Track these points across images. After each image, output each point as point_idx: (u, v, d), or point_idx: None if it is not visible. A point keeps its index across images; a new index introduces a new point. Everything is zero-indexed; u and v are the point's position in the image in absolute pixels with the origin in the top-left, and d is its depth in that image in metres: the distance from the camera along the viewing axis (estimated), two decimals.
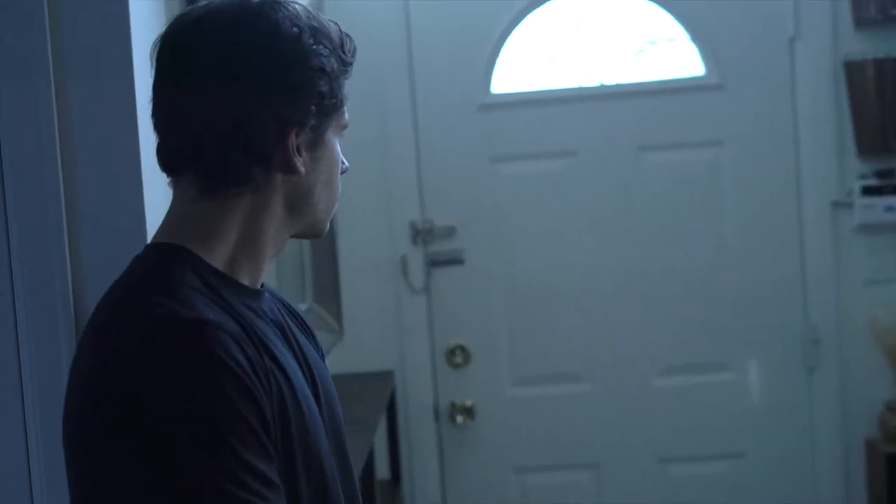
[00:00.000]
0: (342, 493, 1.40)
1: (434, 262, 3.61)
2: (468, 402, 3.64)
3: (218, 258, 1.32)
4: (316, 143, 1.33)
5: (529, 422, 3.65)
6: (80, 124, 1.62)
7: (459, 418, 3.63)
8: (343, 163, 1.41)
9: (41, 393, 1.62)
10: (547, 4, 3.62)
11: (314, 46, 1.31)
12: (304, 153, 1.32)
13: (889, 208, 3.52)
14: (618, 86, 3.63)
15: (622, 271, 3.62)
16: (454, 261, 3.60)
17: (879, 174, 3.54)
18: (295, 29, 1.30)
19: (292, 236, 1.42)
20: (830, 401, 3.62)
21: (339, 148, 1.39)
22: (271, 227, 1.35)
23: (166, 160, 1.34)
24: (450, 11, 3.59)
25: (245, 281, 1.35)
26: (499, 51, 3.61)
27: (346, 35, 1.37)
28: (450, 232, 3.60)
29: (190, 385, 1.18)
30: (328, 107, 1.33)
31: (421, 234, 3.59)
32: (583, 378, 3.66)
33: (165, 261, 1.31)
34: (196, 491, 1.16)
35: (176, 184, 1.35)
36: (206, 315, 1.22)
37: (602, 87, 3.63)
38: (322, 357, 1.54)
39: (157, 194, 1.70)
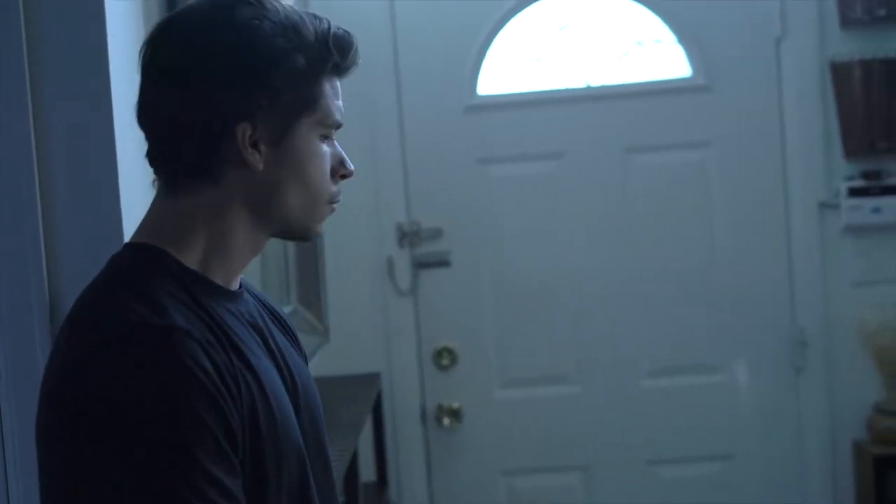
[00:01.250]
0: (320, 498, 1.40)
1: (421, 264, 3.60)
2: (455, 405, 3.63)
3: (191, 258, 1.32)
4: (279, 138, 1.32)
5: (517, 424, 3.65)
6: (56, 123, 1.62)
7: (446, 420, 3.62)
8: (345, 166, 1.39)
9: (16, 393, 1.61)
10: (533, 6, 3.61)
11: (272, 39, 1.30)
12: (262, 148, 1.31)
13: (876, 209, 3.52)
14: (605, 87, 3.62)
15: (610, 273, 3.62)
16: (441, 263, 3.59)
17: (866, 175, 3.54)
18: (254, 21, 1.30)
19: (277, 237, 1.41)
20: (818, 402, 3.62)
21: (325, 148, 1.37)
22: (239, 226, 1.34)
23: (148, 156, 1.36)
24: (436, 12, 3.58)
25: (219, 281, 1.34)
26: (485, 52, 3.60)
27: (342, 34, 1.36)
28: (436, 234, 3.59)
29: (154, 392, 1.18)
30: (291, 102, 1.32)
31: (407, 235, 3.59)
32: (571, 380, 3.66)
33: (141, 262, 1.32)
34: (152, 497, 1.16)
35: (157, 181, 1.36)
36: (175, 321, 1.22)
37: (589, 88, 3.63)
38: (305, 360, 1.53)
39: (134, 194, 1.70)
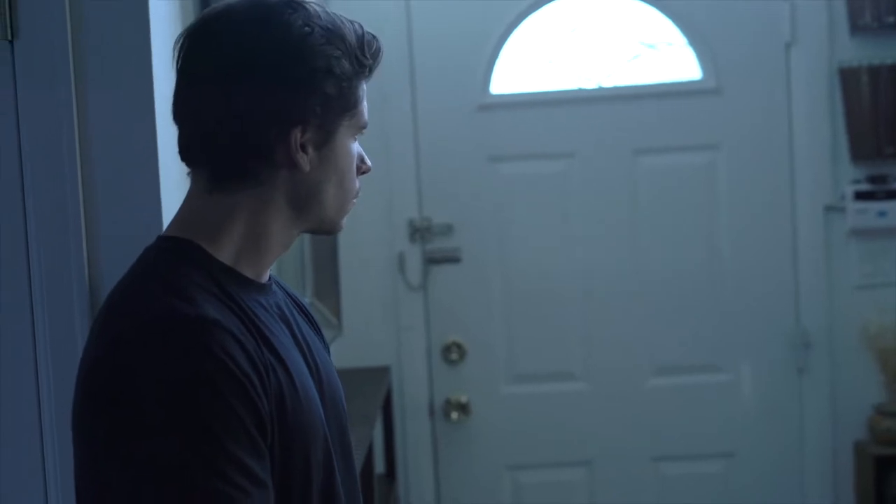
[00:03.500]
0: (343, 485, 1.44)
1: (431, 260, 3.64)
2: (463, 399, 3.68)
3: (224, 253, 1.36)
4: (324, 141, 1.36)
5: (524, 419, 3.69)
6: (98, 120, 1.65)
7: (454, 414, 3.67)
8: (365, 162, 1.44)
9: (56, 385, 1.64)
10: (546, 7, 3.65)
11: (322, 47, 1.33)
12: (310, 151, 1.35)
13: (881, 213, 3.56)
14: (615, 88, 3.67)
15: (618, 272, 3.66)
16: (451, 259, 3.63)
17: (872, 179, 3.58)
18: (306, 28, 1.33)
19: (305, 232, 1.45)
20: (821, 403, 3.67)
21: (355, 148, 1.42)
22: (276, 223, 1.38)
23: (181, 152, 1.39)
24: (450, 13, 3.62)
25: (249, 274, 1.38)
26: (498, 52, 3.64)
27: (371, 38, 1.40)
28: (447, 230, 3.64)
29: (185, 380, 1.21)
30: (337, 107, 1.36)
31: (419, 231, 3.63)
32: (577, 377, 3.70)
33: (174, 255, 1.35)
34: (184, 484, 1.19)
35: (192, 176, 1.39)
36: (206, 312, 1.26)
37: (600, 89, 3.67)
38: (327, 351, 1.58)
39: (174, 188, 1.74)
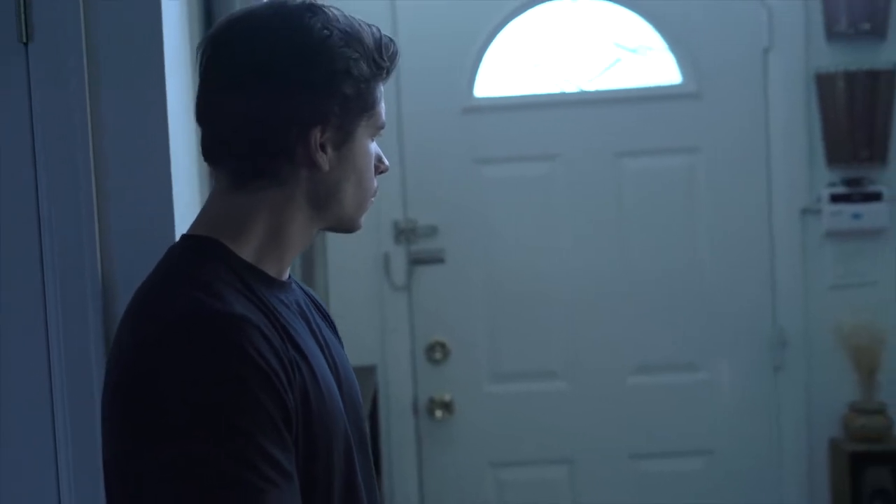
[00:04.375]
0: (362, 478, 1.47)
1: (416, 261, 3.69)
2: (447, 398, 3.72)
3: (247, 251, 1.39)
4: (343, 141, 1.40)
5: (506, 417, 3.74)
6: (111, 121, 1.68)
7: (438, 413, 3.71)
8: (382, 162, 1.48)
9: (69, 381, 1.67)
10: (529, 12, 3.71)
11: (342, 49, 1.37)
12: (329, 150, 1.39)
13: (856, 216, 3.64)
14: (598, 92, 3.72)
15: (599, 272, 3.72)
16: (436, 259, 3.68)
17: (847, 182, 3.65)
18: (325, 31, 1.37)
19: (324, 230, 1.49)
20: (796, 401, 3.74)
21: (373, 147, 1.46)
22: (296, 221, 1.41)
23: (204, 152, 1.43)
24: (435, 17, 3.67)
25: (271, 272, 1.42)
26: (482, 55, 3.70)
27: (388, 41, 1.43)
28: (432, 231, 3.68)
29: (217, 376, 1.24)
30: (356, 107, 1.40)
31: (404, 232, 3.67)
32: (559, 375, 3.75)
33: (199, 254, 1.38)
34: (215, 476, 1.22)
35: (215, 176, 1.43)
36: (235, 309, 1.29)
37: (582, 93, 3.73)
38: (342, 346, 1.62)
39: (186, 187, 1.78)
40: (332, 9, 1.41)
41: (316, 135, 1.37)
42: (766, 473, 3.76)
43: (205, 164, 1.88)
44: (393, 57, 1.44)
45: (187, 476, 1.22)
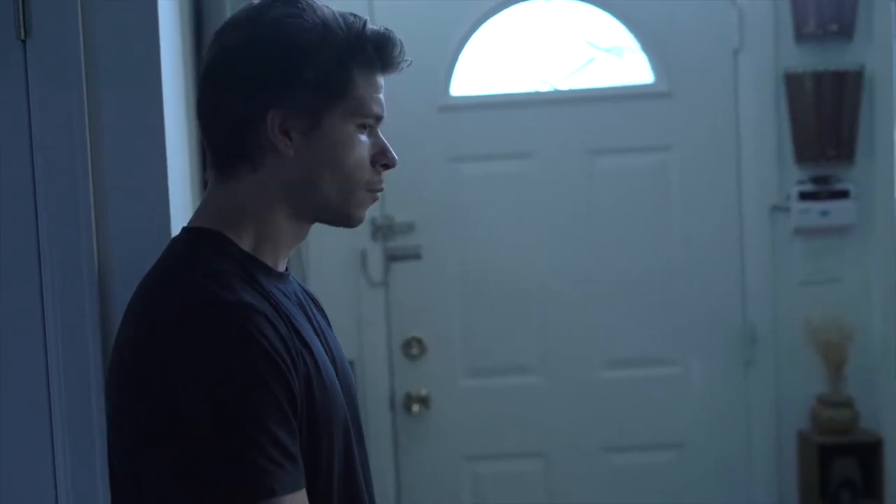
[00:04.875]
0: (360, 468, 1.52)
1: (393, 257, 3.73)
2: (423, 392, 3.77)
3: (245, 241, 1.44)
4: (312, 127, 1.43)
5: (482, 412, 3.79)
6: (108, 118, 1.70)
7: (415, 407, 3.76)
8: (385, 154, 1.50)
9: (67, 383, 1.68)
10: (504, 12, 3.76)
11: (301, 34, 1.42)
12: (295, 136, 1.43)
13: (824, 213, 3.71)
14: (572, 91, 3.78)
15: (573, 269, 3.77)
16: (412, 256, 3.72)
17: (816, 180, 3.72)
18: (288, 19, 1.42)
19: (321, 223, 1.51)
20: (766, 394, 3.81)
21: (359, 136, 1.46)
22: (278, 211, 1.46)
23: (205, 148, 1.50)
24: (412, 17, 3.70)
25: (269, 262, 1.46)
26: (458, 55, 3.74)
27: (377, 32, 1.47)
28: (409, 228, 3.73)
29: (224, 361, 1.29)
30: (322, 93, 1.43)
31: (381, 229, 3.71)
32: (533, 370, 3.81)
33: (202, 244, 1.44)
34: (223, 457, 1.27)
35: (209, 171, 1.50)
36: (244, 298, 1.34)
37: (557, 92, 3.79)
38: (336, 339, 1.66)
39: (181, 183, 1.82)
40: (309, 1, 1.46)
41: (274, 118, 1.42)
42: (736, 465, 3.82)
43: (197, 161, 1.93)
44: (382, 46, 1.47)
45: (198, 459, 1.27)
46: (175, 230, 1.67)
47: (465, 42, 3.75)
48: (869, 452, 3.68)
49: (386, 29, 1.49)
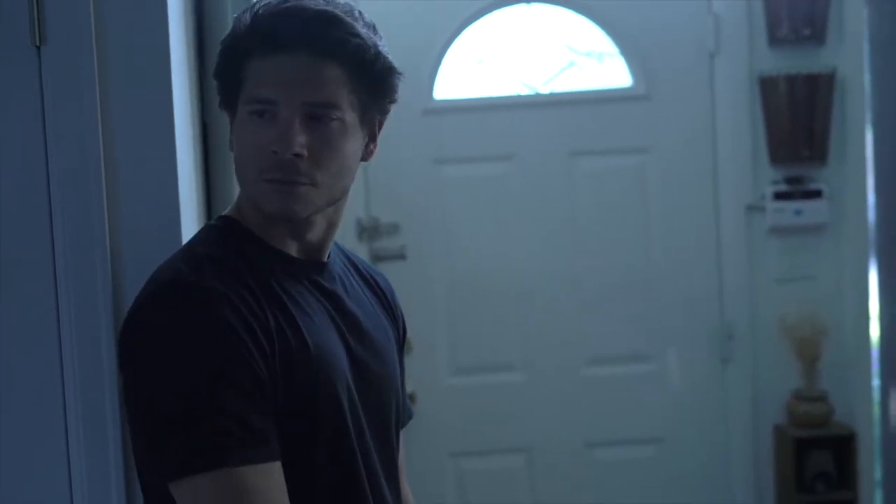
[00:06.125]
0: (378, 457, 1.57)
1: (378, 257, 3.79)
2: (409, 390, 3.82)
3: (257, 229, 1.52)
4: (232, 121, 1.54)
5: (466, 409, 3.85)
6: (120, 122, 1.74)
7: None
8: (276, 141, 1.44)
9: (80, 372, 1.69)
10: (487, 17, 3.83)
11: (235, 27, 1.52)
12: (233, 130, 1.53)
13: (798, 212, 3.79)
14: (552, 94, 3.86)
15: (554, 268, 3.84)
16: (397, 256, 3.78)
17: (790, 181, 3.80)
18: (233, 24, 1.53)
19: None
20: (743, 389, 3.89)
21: (250, 123, 1.47)
22: (250, 204, 1.54)
23: None
24: (396, 22, 3.73)
25: (291, 251, 1.52)
26: (442, 59, 3.81)
27: (265, 13, 1.48)
28: (394, 229, 3.79)
29: (183, 338, 1.38)
30: (227, 86, 1.52)
31: (366, 230, 3.78)
32: (516, 368, 3.88)
33: (215, 230, 1.54)
34: (181, 426, 1.35)
35: None
36: (207, 281, 1.41)
37: (538, 95, 3.86)
38: (402, 330, 1.75)
39: (189, 184, 1.88)
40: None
41: (228, 116, 1.54)
42: (714, 459, 3.90)
43: (200, 159, 1.99)
44: (272, 27, 1.45)
45: (154, 433, 1.37)
46: (184, 228, 1.74)
47: (448, 46, 3.82)
48: (843, 445, 3.77)
49: (276, 6, 1.47)
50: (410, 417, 1.76)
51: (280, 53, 1.43)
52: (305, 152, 1.43)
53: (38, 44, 1.72)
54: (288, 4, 1.46)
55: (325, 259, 1.58)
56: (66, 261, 1.72)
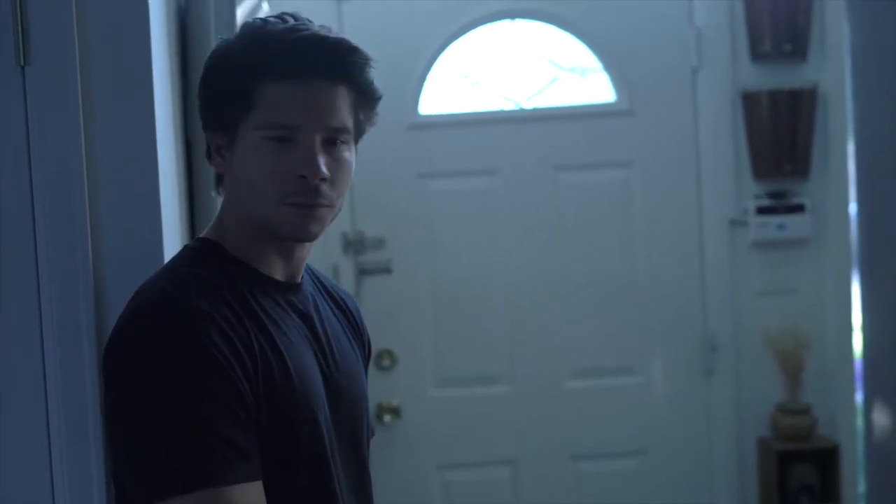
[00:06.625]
0: (350, 467, 1.60)
1: (364, 271, 3.82)
2: (395, 402, 3.85)
3: (239, 251, 1.53)
4: (229, 144, 1.52)
5: (451, 421, 3.87)
6: (103, 141, 1.76)
7: (387, 417, 3.84)
8: (306, 165, 1.47)
9: (63, 383, 1.70)
10: (471, 33, 3.86)
11: (215, 60, 1.53)
12: (225, 153, 1.53)
13: (781, 227, 3.82)
14: (536, 110, 3.89)
15: (539, 281, 3.87)
16: (383, 270, 3.80)
17: (772, 195, 3.83)
18: (221, 45, 1.54)
19: (274, 239, 1.54)
20: (726, 402, 3.91)
21: (267, 147, 1.48)
22: (242, 226, 1.54)
23: None
24: (381, 38, 3.76)
25: (275, 273, 1.54)
26: (427, 74, 3.84)
27: (273, 36, 1.49)
28: (379, 243, 3.81)
29: (164, 359, 1.39)
30: (229, 110, 1.50)
31: (352, 244, 3.80)
32: (501, 380, 3.90)
33: (194, 253, 1.55)
34: (160, 450, 1.36)
35: None
36: (194, 302, 1.42)
37: (522, 110, 3.89)
38: (361, 348, 1.74)
39: (171, 202, 1.91)
40: (271, 20, 1.53)
41: (210, 139, 1.54)
42: (698, 471, 3.93)
43: (183, 178, 2.02)
44: (299, 54, 1.47)
45: (141, 453, 1.38)
46: (167, 245, 1.76)
47: (434, 62, 3.85)
48: (826, 458, 3.80)
49: (294, 31, 1.49)
50: (373, 435, 1.78)
51: (302, 79, 1.46)
52: (329, 175, 1.48)
53: (22, 64, 1.74)
54: (303, 31, 1.48)
55: (300, 280, 1.59)
56: (49, 277, 1.73)
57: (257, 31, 1.50)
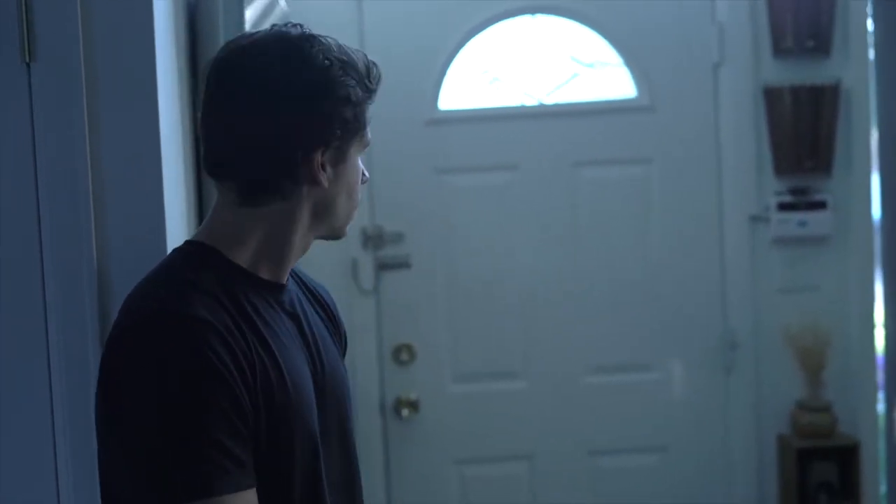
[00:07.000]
0: (341, 470, 1.62)
1: (383, 266, 3.83)
2: (413, 397, 3.86)
3: (243, 258, 1.53)
4: (339, 159, 1.55)
5: (469, 416, 3.88)
6: (108, 138, 1.79)
7: (405, 412, 3.85)
8: (364, 174, 1.63)
9: (68, 385, 1.76)
10: (491, 28, 3.86)
11: (342, 78, 1.52)
12: (328, 168, 1.53)
13: (802, 223, 3.80)
14: (556, 105, 3.88)
15: (557, 277, 3.86)
16: (402, 265, 3.81)
17: (794, 191, 3.81)
18: (326, 62, 1.51)
19: (323, 238, 1.62)
20: (746, 399, 3.90)
21: (360, 162, 1.61)
22: (297, 232, 1.56)
23: (210, 168, 1.56)
24: (402, 34, 3.80)
25: (266, 276, 1.55)
26: (446, 70, 3.84)
27: (373, 64, 1.58)
28: (398, 238, 3.82)
29: (168, 367, 1.38)
30: (352, 130, 1.55)
31: (371, 239, 3.81)
32: (519, 375, 3.90)
33: (191, 259, 1.53)
34: (161, 461, 1.36)
35: (220, 189, 1.56)
36: (194, 311, 1.42)
37: (541, 106, 3.89)
38: (341, 342, 1.75)
39: (175, 198, 1.92)
40: (326, 38, 1.55)
41: (318, 156, 1.52)
42: (717, 469, 3.91)
43: (191, 176, 2.03)
44: (377, 80, 1.59)
45: (142, 463, 1.38)
46: (170, 243, 1.77)
47: (453, 58, 3.85)
48: (846, 456, 3.78)
49: (373, 61, 1.60)
50: None
51: (373, 101, 1.59)
52: None
53: (27, 61, 1.76)
54: (360, 51, 1.58)
55: (284, 281, 1.60)
56: (54, 273, 1.76)
57: (344, 52, 1.54)
